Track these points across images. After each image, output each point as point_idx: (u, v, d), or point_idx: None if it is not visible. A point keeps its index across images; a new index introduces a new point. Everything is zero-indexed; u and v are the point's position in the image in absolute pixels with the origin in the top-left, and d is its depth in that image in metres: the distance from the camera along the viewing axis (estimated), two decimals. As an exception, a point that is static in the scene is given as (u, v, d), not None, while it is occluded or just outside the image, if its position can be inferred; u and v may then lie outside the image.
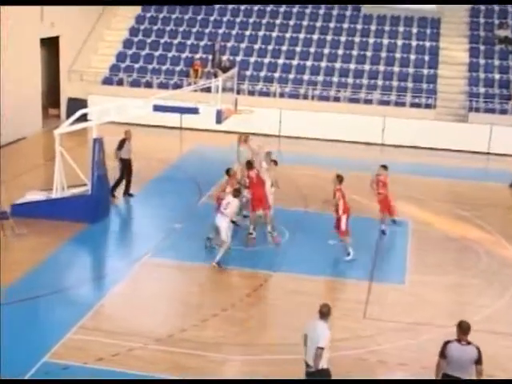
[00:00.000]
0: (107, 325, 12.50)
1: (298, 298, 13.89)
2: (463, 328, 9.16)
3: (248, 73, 29.46)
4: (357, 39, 30.65)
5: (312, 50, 30.32)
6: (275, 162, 17.29)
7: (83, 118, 19.04)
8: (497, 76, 28.72)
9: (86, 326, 12.36)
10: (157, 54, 30.66)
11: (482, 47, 29.95)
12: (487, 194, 21.60)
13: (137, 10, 32.42)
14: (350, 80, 28.96)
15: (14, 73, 24.44)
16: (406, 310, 13.61)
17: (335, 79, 29.01)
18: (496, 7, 31.31)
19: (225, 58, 29.67)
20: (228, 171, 16.51)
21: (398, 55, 29.94)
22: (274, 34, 31.14)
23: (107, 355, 11.37)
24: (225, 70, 26.65)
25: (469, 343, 9.13)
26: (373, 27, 31.12)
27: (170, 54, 30.61)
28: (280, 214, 17.27)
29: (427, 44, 30.22)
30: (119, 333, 12.17)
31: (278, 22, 31.62)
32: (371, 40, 30.59)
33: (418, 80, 28.71)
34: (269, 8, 32.03)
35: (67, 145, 18.19)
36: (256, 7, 32.09)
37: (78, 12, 28.68)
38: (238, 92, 23.28)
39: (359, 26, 31.14)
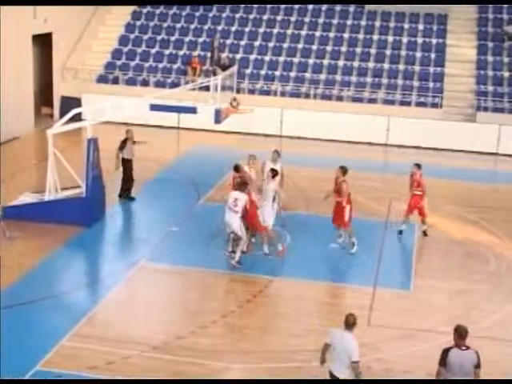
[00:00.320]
0: (102, 332, 12.51)
1: (300, 304, 13.91)
2: (461, 333, 9.15)
3: (248, 71, 29.49)
4: (361, 36, 30.69)
5: (314, 47, 30.36)
6: (274, 172, 16.27)
7: (77, 117, 19.04)
8: (506, 74, 28.75)
9: (80, 332, 12.37)
10: (153, 51, 30.69)
11: (490, 44, 29.98)
12: (495, 196, 21.63)
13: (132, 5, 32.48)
14: (354, 78, 28.99)
15: (5, 71, 24.48)
16: (411, 317, 13.62)
17: (338, 77, 29.04)
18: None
19: (224, 55, 29.70)
20: (236, 168, 16.53)
21: (403, 53, 29.97)
22: (275, 31, 31.17)
23: (102, 363, 11.38)
24: (224, 67, 26.71)
25: (468, 348, 9.16)
26: (377, 24, 31.16)
27: (167, 52, 30.64)
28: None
29: (433, 41, 30.26)
30: (114, 340, 12.18)
31: (279, 18, 31.66)
32: (375, 37, 30.63)
33: (424, 78, 28.74)
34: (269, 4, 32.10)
35: (60, 145, 18.21)
36: (256, 3, 32.19)
37: (72, 8, 28.68)
38: (238, 91, 23.38)
39: (363, 23, 31.20)
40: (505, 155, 26.12)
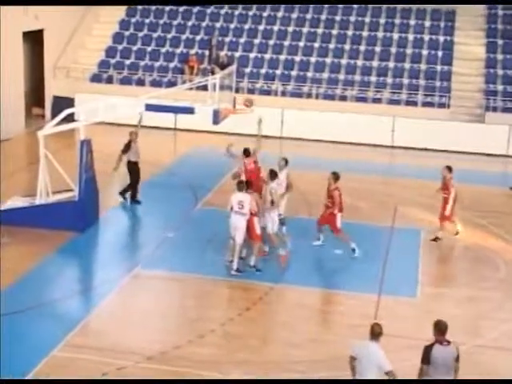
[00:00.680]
0: (95, 341, 12.51)
1: (301, 312, 13.91)
2: (441, 328, 9.51)
3: (247, 70, 29.54)
4: (365, 33, 30.75)
5: (316, 45, 30.42)
6: (272, 174, 16.21)
7: (70, 118, 19.05)
8: (516, 73, 28.85)
9: (73, 342, 12.36)
10: (149, 49, 30.75)
11: (500, 41, 30.04)
12: (505, 199, 21.64)
13: (127, 1, 32.55)
14: (358, 77, 29.03)
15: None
16: (417, 326, 13.59)
17: (341, 76, 29.09)
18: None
19: (222, 53, 29.73)
20: (246, 151, 16.79)
21: (409, 51, 30.02)
22: (276, 28, 31.24)
23: (95, 374, 11.37)
24: (222, 66, 26.68)
25: (449, 342, 9.46)
26: (382, 20, 31.22)
27: (163, 50, 30.70)
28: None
29: (441, 38, 30.31)
30: (108, 350, 12.18)
31: (279, 15, 31.72)
32: (380, 34, 30.69)
33: (431, 77, 28.79)
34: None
35: (52, 147, 18.23)
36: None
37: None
38: (237, 90, 23.34)
39: (367, 20, 31.26)
40: (515, 157, 26.18)
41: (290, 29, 31.14)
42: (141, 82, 29.14)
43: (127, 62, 30.15)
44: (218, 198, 18.85)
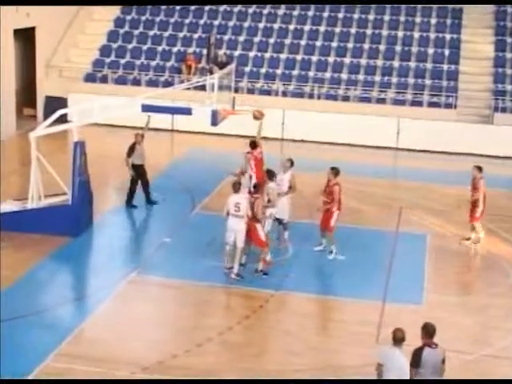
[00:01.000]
0: (89, 351, 12.50)
1: (303, 320, 13.92)
2: (429, 330, 9.73)
3: (247, 69, 29.57)
4: (369, 31, 30.78)
5: (318, 43, 30.45)
6: (270, 174, 16.62)
7: (63, 118, 19.08)
8: (525, 72, 28.89)
9: (66, 351, 12.36)
10: (145, 47, 30.78)
11: (509, 40, 30.08)
12: (515, 203, 21.67)
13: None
14: (361, 77, 29.06)
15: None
16: (423, 334, 13.61)
17: (344, 76, 29.12)
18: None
19: (221, 52, 29.78)
20: (252, 143, 17.17)
21: (414, 49, 30.06)
22: (276, 26, 31.27)
23: (89, 384, 11.40)
24: (221, 65, 26.72)
25: (437, 345, 9.71)
26: (386, 18, 31.25)
27: (159, 48, 30.73)
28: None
29: (447, 36, 30.35)
30: (103, 360, 12.17)
31: (280, 12, 31.76)
32: (384, 32, 30.72)
33: (437, 77, 28.82)
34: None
35: (44, 149, 18.23)
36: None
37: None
38: (236, 90, 23.39)
39: (371, 17, 31.28)
40: (525, 159, 26.18)
41: (291, 27, 31.16)
42: (136, 82, 29.16)
43: (122, 61, 30.18)
44: (217, 202, 18.84)
